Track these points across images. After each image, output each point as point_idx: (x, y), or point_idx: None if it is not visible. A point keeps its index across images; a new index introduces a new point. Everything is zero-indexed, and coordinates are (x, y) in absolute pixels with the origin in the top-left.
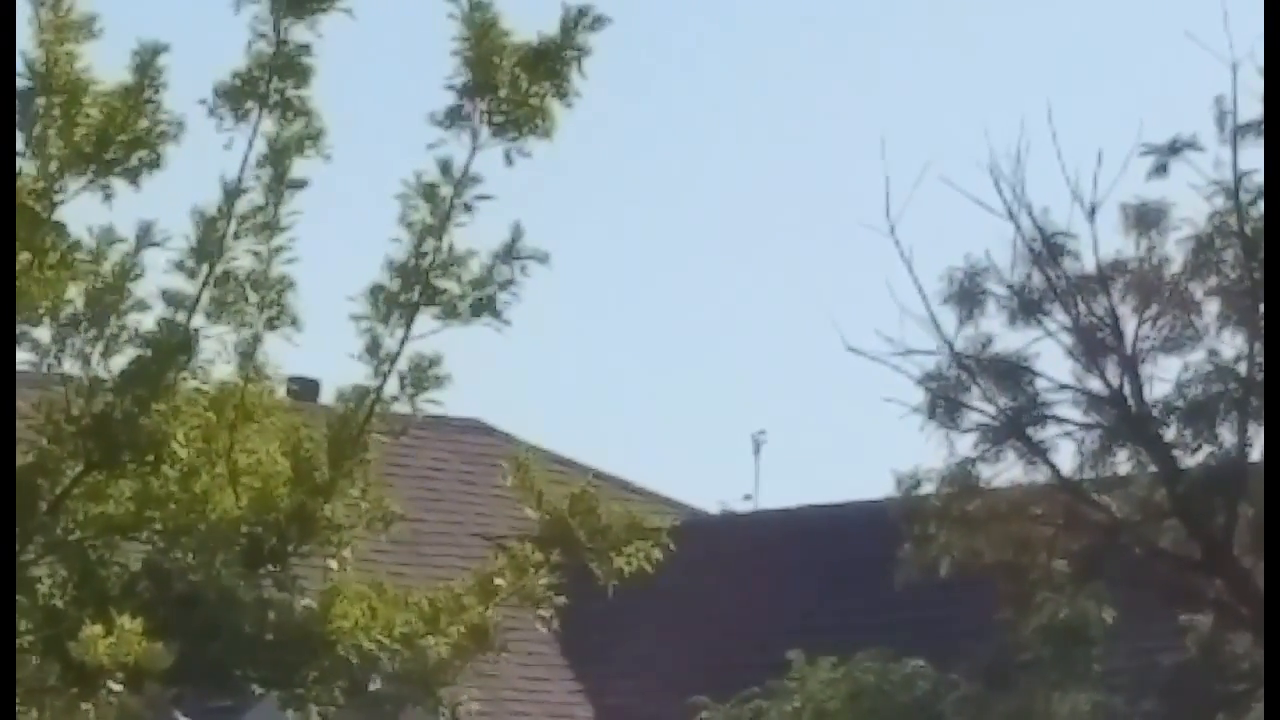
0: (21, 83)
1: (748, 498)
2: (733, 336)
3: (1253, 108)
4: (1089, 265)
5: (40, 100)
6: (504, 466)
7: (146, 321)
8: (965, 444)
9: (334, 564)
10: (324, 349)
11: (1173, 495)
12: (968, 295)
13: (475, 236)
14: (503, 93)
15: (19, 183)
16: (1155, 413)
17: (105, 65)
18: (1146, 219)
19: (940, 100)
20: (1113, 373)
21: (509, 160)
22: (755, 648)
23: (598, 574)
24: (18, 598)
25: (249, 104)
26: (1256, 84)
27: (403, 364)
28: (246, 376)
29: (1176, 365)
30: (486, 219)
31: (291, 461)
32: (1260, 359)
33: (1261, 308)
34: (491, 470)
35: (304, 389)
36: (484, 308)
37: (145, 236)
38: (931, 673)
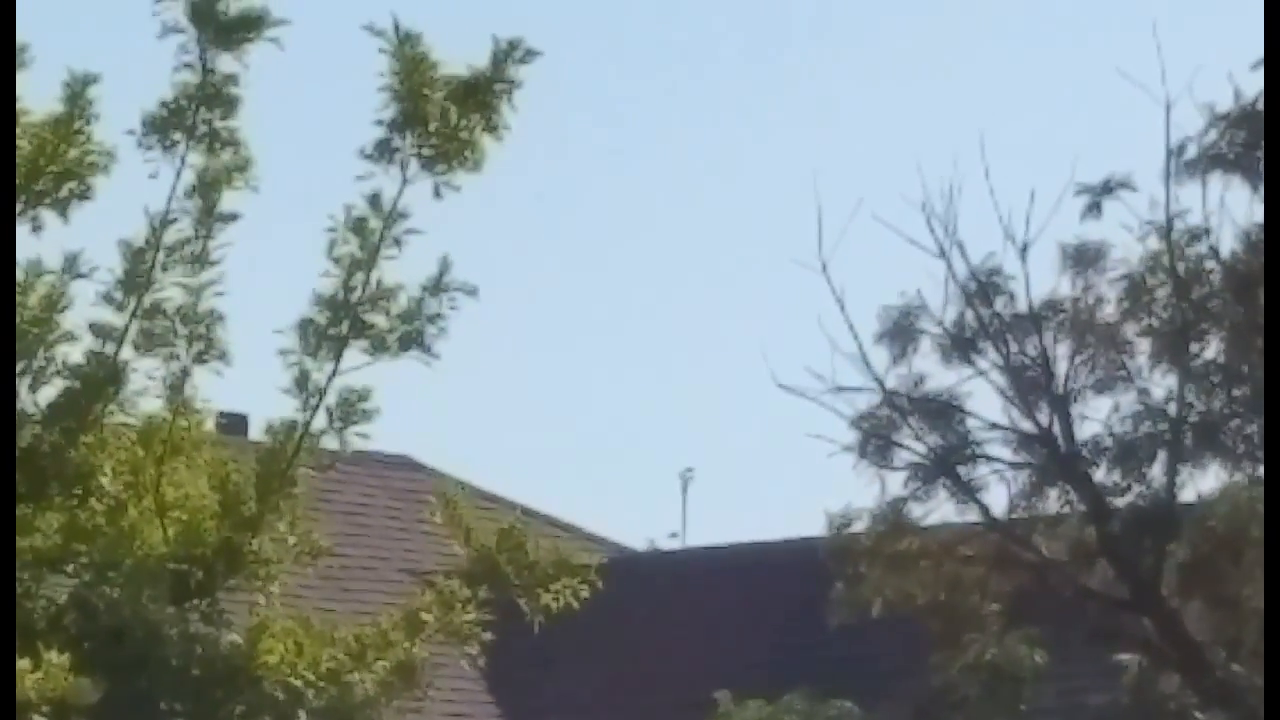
0: None
1: (674, 535)
2: (661, 373)
3: (1186, 148)
4: (1022, 304)
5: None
6: (432, 502)
7: (74, 354)
8: (896, 482)
9: (261, 599)
10: (253, 383)
11: (1102, 535)
12: (900, 333)
13: (404, 270)
14: (432, 126)
15: None
16: (1085, 453)
17: (35, 95)
18: (1083, 258)
19: (873, 137)
20: (1044, 412)
21: (438, 194)
22: (682, 686)
23: (525, 610)
24: None
25: (176, 135)
26: (1190, 122)
27: (331, 398)
28: (175, 410)
29: (1107, 405)
30: (415, 252)
31: (219, 495)
32: (1190, 399)
33: (1192, 347)
34: (419, 506)
35: (233, 424)
36: (412, 341)
37: (72, 268)
38: (859, 713)
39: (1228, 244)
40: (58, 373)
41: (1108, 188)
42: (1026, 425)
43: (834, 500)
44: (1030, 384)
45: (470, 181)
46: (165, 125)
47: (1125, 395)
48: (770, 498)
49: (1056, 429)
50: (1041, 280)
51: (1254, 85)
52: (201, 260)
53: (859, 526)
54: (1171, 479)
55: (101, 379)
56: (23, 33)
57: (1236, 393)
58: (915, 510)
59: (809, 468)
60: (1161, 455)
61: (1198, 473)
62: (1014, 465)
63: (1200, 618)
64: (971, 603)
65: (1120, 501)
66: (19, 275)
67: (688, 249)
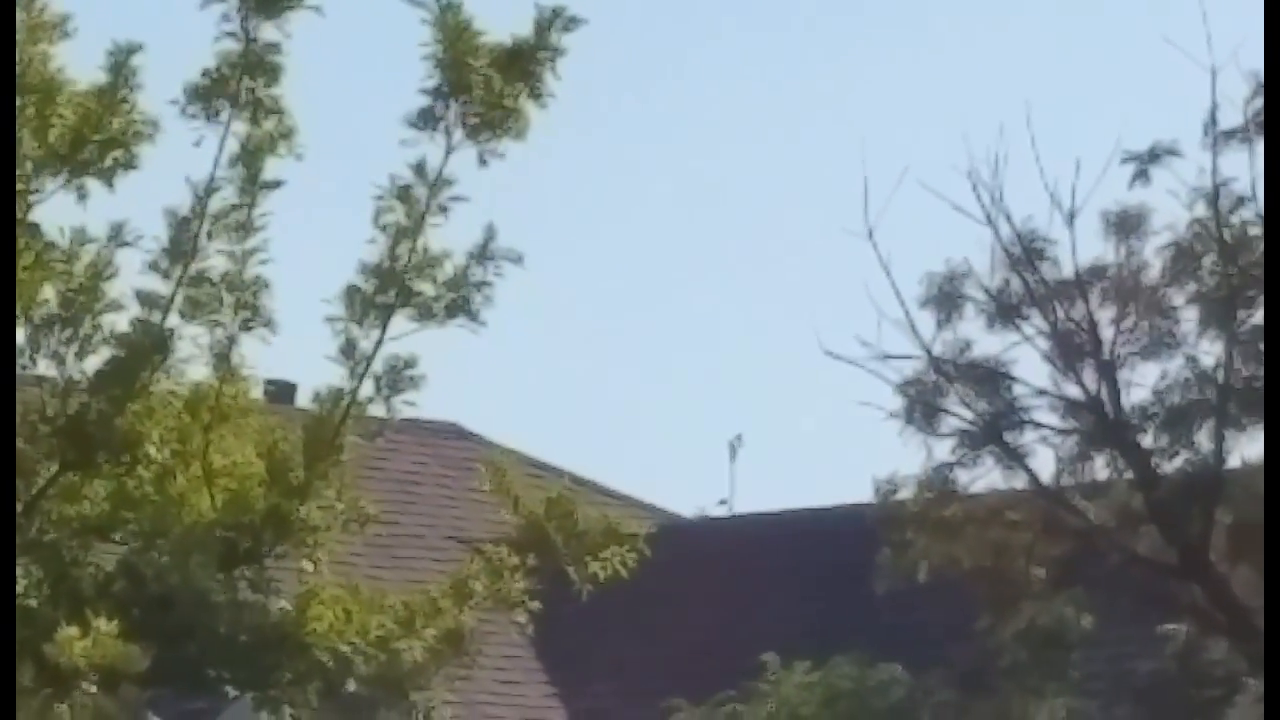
0: None
1: (723, 502)
2: (709, 340)
3: (1233, 114)
4: (1067, 271)
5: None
6: (480, 470)
7: (121, 322)
8: (943, 449)
9: (309, 566)
10: (301, 351)
11: (1149, 501)
12: (946, 299)
13: (450, 237)
14: (476, 94)
15: None
16: (1133, 419)
17: (80, 65)
18: (1127, 225)
19: (920, 105)
20: (1090, 378)
21: (483, 162)
22: (731, 651)
23: (573, 578)
24: None
25: (220, 103)
26: (1236, 90)
27: (378, 365)
28: (221, 378)
29: (1154, 371)
30: (462, 219)
31: (267, 463)
32: (1238, 365)
33: (1240, 313)
34: (467, 474)
35: (281, 391)
36: (459, 309)
37: (118, 236)
38: (908, 678)
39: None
40: (104, 341)
41: (1154, 155)
42: (1073, 391)
43: (881, 467)
44: (1077, 350)
45: (516, 148)
46: (209, 94)
47: (1172, 361)
48: (818, 464)
49: (1104, 395)
50: (1088, 247)
51: None
52: (246, 228)
53: (906, 493)
54: (1219, 444)
55: (148, 347)
56: (66, 3)
57: None
58: (962, 476)
59: (857, 434)
60: (1209, 421)
61: (1245, 438)
62: (1061, 431)
63: (1248, 583)
64: (1019, 568)
65: (1168, 467)
66: (65, 244)
67: (736, 216)
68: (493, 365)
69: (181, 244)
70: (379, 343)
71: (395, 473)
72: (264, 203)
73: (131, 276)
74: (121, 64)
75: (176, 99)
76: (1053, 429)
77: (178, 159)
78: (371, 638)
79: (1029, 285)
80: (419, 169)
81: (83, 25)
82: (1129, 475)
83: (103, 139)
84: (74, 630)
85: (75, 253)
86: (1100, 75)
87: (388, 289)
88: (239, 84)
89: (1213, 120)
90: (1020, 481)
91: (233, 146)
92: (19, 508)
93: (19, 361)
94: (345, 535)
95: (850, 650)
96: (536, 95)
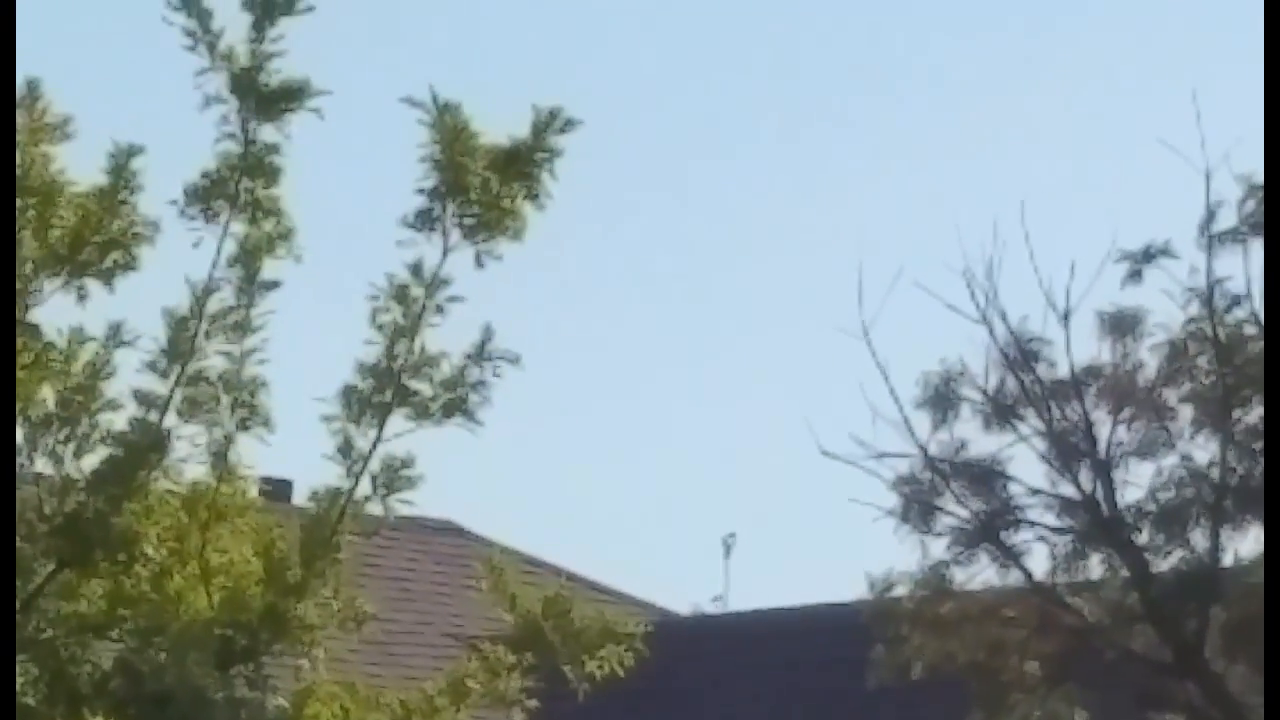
0: None
1: (718, 599)
2: (704, 437)
3: (1226, 215)
4: (1063, 370)
5: (15, 202)
6: (475, 567)
7: (118, 421)
8: (938, 547)
9: (306, 664)
10: (297, 450)
11: (1145, 599)
12: (942, 399)
13: (447, 337)
14: (473, 195)
15: None
16: (1128, 517)
17: (80, 166)
18: (1122, 325)
19: (914, 204)
20: (1086, 477)
21: (479, 263)
22: None
23: (570, 677)
24: None
25: (219, 204)
26: (1230, 191)
27: (375, 465)
28: (219, 477)
29: (1149, 470)
30: (459, 319)
31: (264, 562)
32: (1232, 463)
33: (1234, 412)
34: (463, 571)
35: (277, 489)
36: (456, 409)
37: (116, 336)
38: None
39: None
40: (102, 440)
41: (1149, 254)
42: (1068, 490)
43: (876, 564)
44: (1072, 449)
45: (514, 249)
46: (208, 195)
47: (1167, 460)
48: (813, 561)
49: (1099, 494)
50: (1083, 346)
51: None
52: (244, 328)
53: (901, 590)
54: (1214, 542)
55: (145, 446)
56: (67, 106)
57: None
58: (957, 574)
59: (851, 532)
60: (1203, 519)
61: (1239, 536)
62: (1056, 530)
63: (1244, 680)
64: (1013, 665)
65: (1162, 565)
66: (63, 344)
67: (731, 315)
68: (487, 462)
69: (179, 344)
70: (376, 442)
71: (391, 570)
72: (262, 303)
73: (129, 376)
74: (122, 166)
75: (176, 199)
76: (1048, 527)
77: (176, 259)
78: None
79: (1024, 385)
80: (416, 269)
81: (83, 127)
82: (1124, 573)
83: (103, 240)
84: None
85: (73, 353)
86: (1094, 175)
87: (384, 389)
88: (238, 185)
89: (1207, 221)
90: (1015, 579)
91: (231, 247)
92: (15, 606)
93: (17, 460)
94: (342, 633)
95: None
96: (533, 196)
